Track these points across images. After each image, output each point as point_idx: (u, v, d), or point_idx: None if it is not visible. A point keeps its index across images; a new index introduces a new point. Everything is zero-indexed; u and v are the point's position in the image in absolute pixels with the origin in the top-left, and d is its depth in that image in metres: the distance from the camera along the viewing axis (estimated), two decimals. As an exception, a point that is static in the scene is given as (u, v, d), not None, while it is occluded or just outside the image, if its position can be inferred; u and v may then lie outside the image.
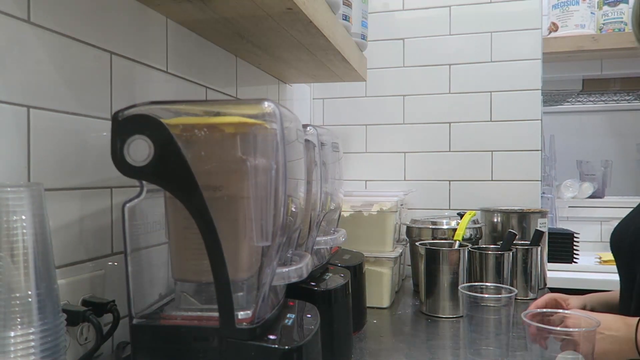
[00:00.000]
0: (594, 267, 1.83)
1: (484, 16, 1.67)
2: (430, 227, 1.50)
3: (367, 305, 1.23)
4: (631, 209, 1.08)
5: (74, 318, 0.63)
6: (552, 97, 2.46)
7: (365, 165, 1.79)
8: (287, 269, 0.61)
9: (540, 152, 1.65)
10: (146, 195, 0.61)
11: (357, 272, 1.09)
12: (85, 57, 0.72)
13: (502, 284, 1.35)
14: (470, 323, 0.93)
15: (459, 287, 0.97)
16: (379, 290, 1.32)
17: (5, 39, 0.60)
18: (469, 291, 0.94)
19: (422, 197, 1.72)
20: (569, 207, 2.30)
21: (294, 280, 0.61)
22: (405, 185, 1.74)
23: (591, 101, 2.50)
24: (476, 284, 0.99)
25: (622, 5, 2.05)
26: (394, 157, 1.76)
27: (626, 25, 2.04)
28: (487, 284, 1.05)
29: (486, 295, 0.94)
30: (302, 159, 0.70)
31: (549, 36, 2.09)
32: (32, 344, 0.49)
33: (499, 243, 1.39)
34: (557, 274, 1.72)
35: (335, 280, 0.90)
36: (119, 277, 0.77)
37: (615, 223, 1.09)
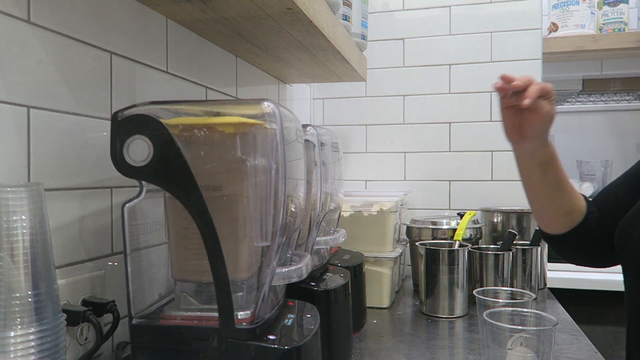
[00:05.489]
0: (594, 267, 1.83)
1: (484, 16, 1.67)
2: (430, 227, 1.49)
3: (367, 305, 1.23)
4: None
5: (74, 318, 0.63)
6: (552, 97, 2.46)
7: (365, 165, 1.79)
8: (287, 269, 0.61)
9: (540, 152, 1.65)
10: (146, 195, 0.61)
11: (357, 272, 1.09)
12: (85, 57, 0.72)
13: (502, 284, 1.36)
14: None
15: (475, 292, 0.98)
16: (379, 290, 1.32)
17: (5, 39, 0.60)
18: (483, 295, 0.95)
19: (422, 197, 1.72)
20: (569, 207, 2.29)
21: (293, 280, 0.61)
22: (405, 185, 1.74)
23: (591, 101, 2.50)
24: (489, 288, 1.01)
25: (622, 5, 2.05)
26: (394, 157, 1.76)
27: (626, 25, 2.04)
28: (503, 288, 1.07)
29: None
30: (302, 159, 0.70)
31: (549, 36, 2.09)
32: (32, 344, 0.49)
33: (498, 243, 1.39)
34: (557, 274, 1.72)
35: (335, 280, 0.90)
36: (119, 277, 0.77)
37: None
